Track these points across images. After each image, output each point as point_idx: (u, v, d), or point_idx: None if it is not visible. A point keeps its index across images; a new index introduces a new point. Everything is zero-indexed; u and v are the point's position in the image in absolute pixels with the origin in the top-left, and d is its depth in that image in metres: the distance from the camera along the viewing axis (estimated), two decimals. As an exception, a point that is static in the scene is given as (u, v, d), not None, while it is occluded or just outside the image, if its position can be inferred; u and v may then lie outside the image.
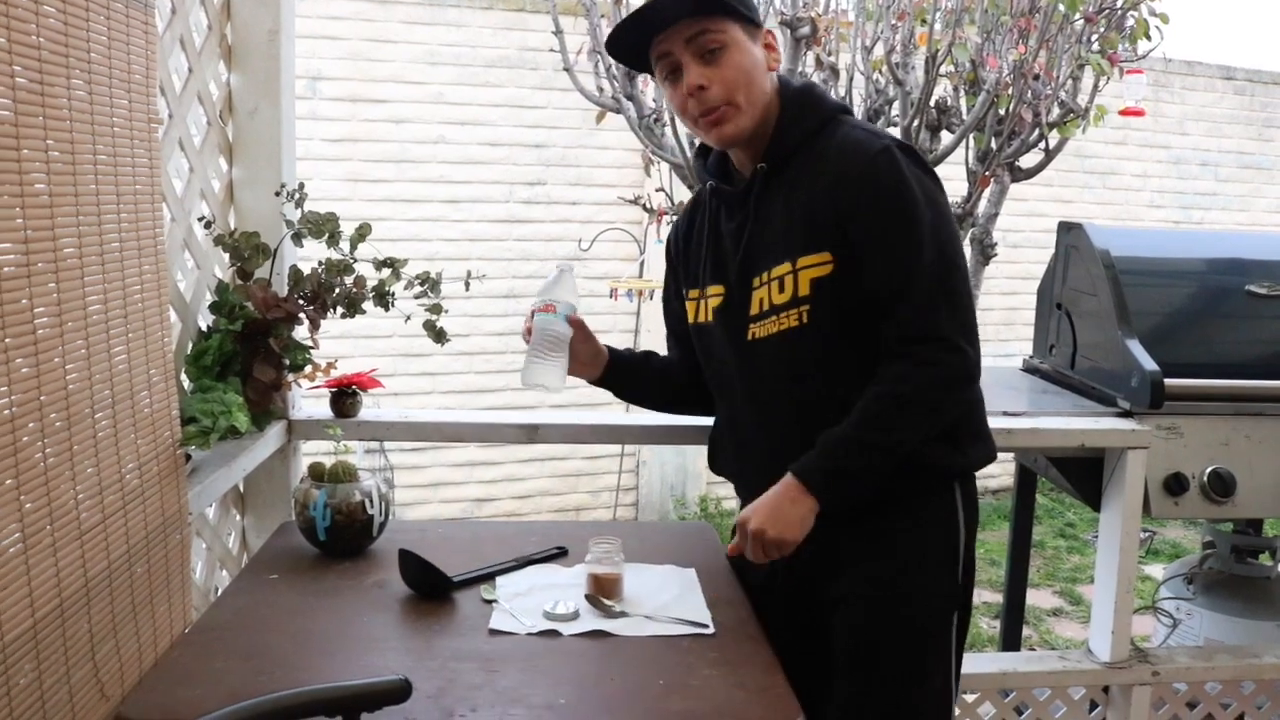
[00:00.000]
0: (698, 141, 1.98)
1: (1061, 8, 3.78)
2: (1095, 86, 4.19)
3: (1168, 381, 2.44)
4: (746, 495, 1.93)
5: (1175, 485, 2.46)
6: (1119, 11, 4.16)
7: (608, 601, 1.81)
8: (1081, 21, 3.97)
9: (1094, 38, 4.15)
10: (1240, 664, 2.64)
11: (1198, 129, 7.85)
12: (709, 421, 2.09)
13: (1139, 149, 7.63)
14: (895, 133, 3.88)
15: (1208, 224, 7.88)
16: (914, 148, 1.81)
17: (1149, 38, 4.26)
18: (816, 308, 1.75)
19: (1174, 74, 7.62)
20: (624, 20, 1.80)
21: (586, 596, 1.82)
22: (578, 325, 1.98)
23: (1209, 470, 2.47)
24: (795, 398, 1.81)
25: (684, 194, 4.18)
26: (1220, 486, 2.46)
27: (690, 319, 1.98)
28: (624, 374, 2.13)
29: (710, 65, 1.75)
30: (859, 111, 4.06)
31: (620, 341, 6.71)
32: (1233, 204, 7.99)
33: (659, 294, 5.21)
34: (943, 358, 1.70)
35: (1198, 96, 7.85)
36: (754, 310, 1.82)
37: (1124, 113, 4.96)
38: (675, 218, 4.72)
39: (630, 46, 1.84)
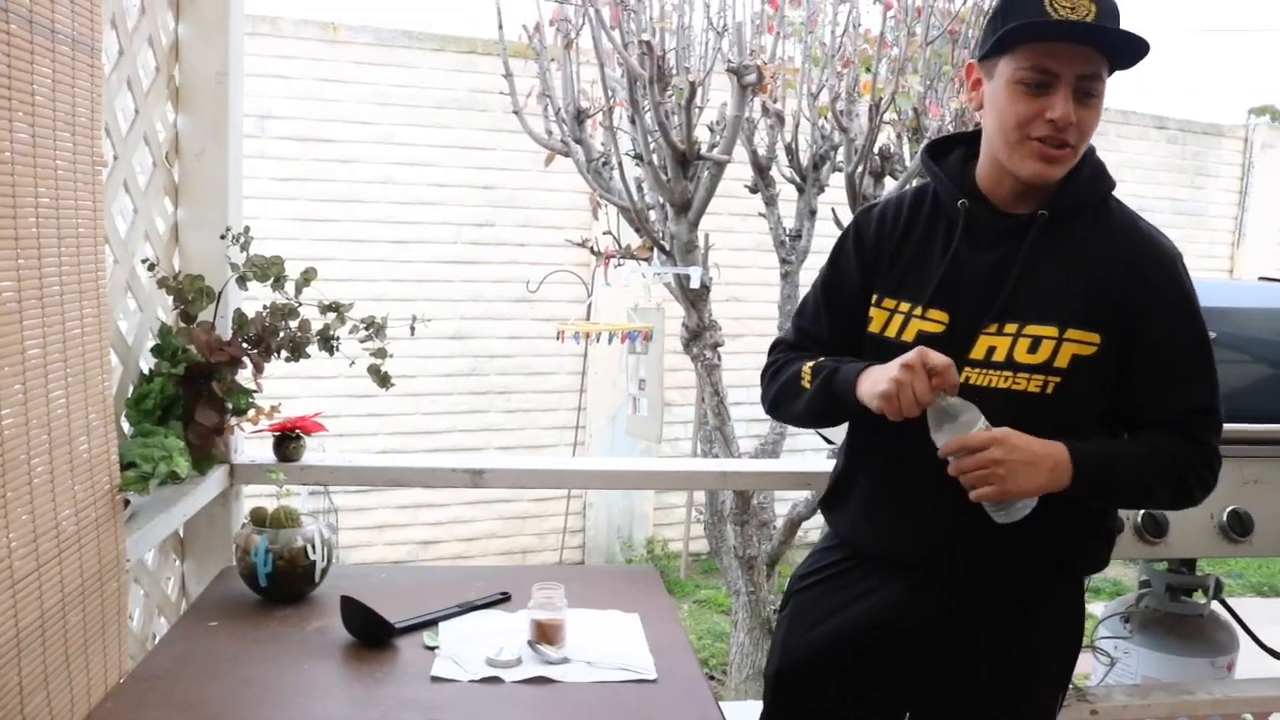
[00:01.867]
0: (923, 139, 1.86)
1: (1000, 59, 3.86)
2: (1033, 135, 4.27)
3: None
4: (870, 539, 1.84)
5: (1112, 528, 2.50)
6: (1055, 63, 4.27)
7: (550, 648, 1.80)
8: (1019, 72, 4.06)
9: (1032, 88, 4.24)
10: (1175, 700, 2.67)
11: (1133, 175, 8.03)
12: (655, 465, 2.09)
13: (1077, 195, 7.78)
14: (839, 179, 3.94)
15: (1144, 269, 8.05)
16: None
17: (1084, 89, 4.36)
18: (1068, 383, 1.66)
19: (1110, 123, 7.80)
20: (1045, 17, 1.61)
21: (529, 643, 1.81)
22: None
23: (1142, 512, 2.51)
24: None
25: (631, 237, 4.21)
26: (1153, 527, 2.50)
27: (875, 328, 1.79)
28: None
29: (1083, 107, 1.65)
30: (804, 156, 4.12)
31: (567, 384, 6.75)
32: (1167, 250, 8.17)
33: (605, 336, 5.21)
34: (1213, 461, 1.73)
35: (1132, 144, 8.05)
36: (976, 354, 1.69)
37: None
38: (622, 261, 4.74)
39: (1020, 30, 1.63)
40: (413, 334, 2.26)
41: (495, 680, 1.72)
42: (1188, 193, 8.25)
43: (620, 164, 3.77)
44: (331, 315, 2.25)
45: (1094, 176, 1.75)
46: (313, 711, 1.61)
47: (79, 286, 1.67)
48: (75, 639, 1.63)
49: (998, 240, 1.73)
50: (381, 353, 2.27)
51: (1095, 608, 5.27)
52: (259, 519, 2.05)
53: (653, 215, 3.97)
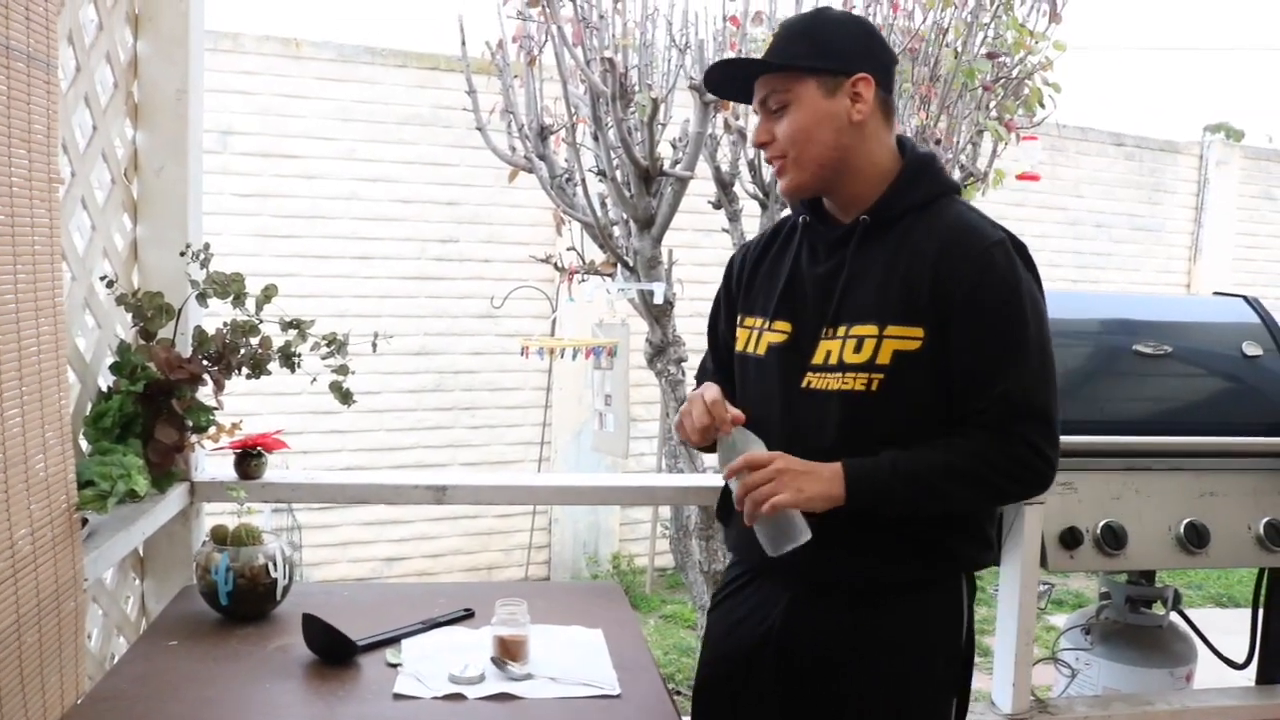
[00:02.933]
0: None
1: (961, 76, 3.91)
2: (994, 151, 4.33)
3: (1062, 439, 2.51)
4: (753, 544, 1.84)
5: (1070, 539, 2.52)
6: (1015, 80, 4.32)
7: (513, 664, 1.80)
8: (980, 89, 4.11)
9: (992, 105, 4.30)
10: (1135, 711, 2.70)
11: (1092, 192, 8.14)
12: (620, 480, 2.10)
13: (1038, 210, 7.87)
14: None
15: (1103, 283, 8.14)
16: (1025, 246, 1.77)
17: (1043, 105, 4.42)
18: (890, 380, 1.69)
19: (1068, 139, 7.90)
20: (715, 66, 1.85)
21: (492, 659, 1.81)
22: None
23: (1102, 524, 2.54)
24: (834, 458, 1.71)
25: (595, 253, 4.21)
26: (1112, 539, 2.53)
27: (739, 346, 1.90)
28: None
29: (774, 121, 1.77)
30: (767, 172, 4.14)
31: (532, 400, 6.73)
32: (1126, 264, 8.27)
33: (570, 352, 5.21)
34: (1031, 458, 1.70)
35: (1091, 161, 8.15)
36: (816, 359, 1.76)
37: (1021, 177, 5.11)
38: (586, 277, 4.74)
39: (727, 84, 1.91)
40: (374, 350, 2.26)
41: (458, 697, 1.71)
42: (1145, 209, 8.37)
43: (584, 180, 3.78)
44: (293, 332, 2.25)
45: (914, 178, 1.79)
46: (273, 731, 1.60)
47: (35, 304, 1.66)
48: (31, 660, 1.61)
49: (830, 250, 1.82)
50: (343, 369, 2.27)
51: (1057, 619, 5.32)
52: (220, 537, 2.04)
53: (616, 231, 3.98)
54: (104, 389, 2.16)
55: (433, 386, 6.24)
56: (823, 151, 1.76)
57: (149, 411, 2.14)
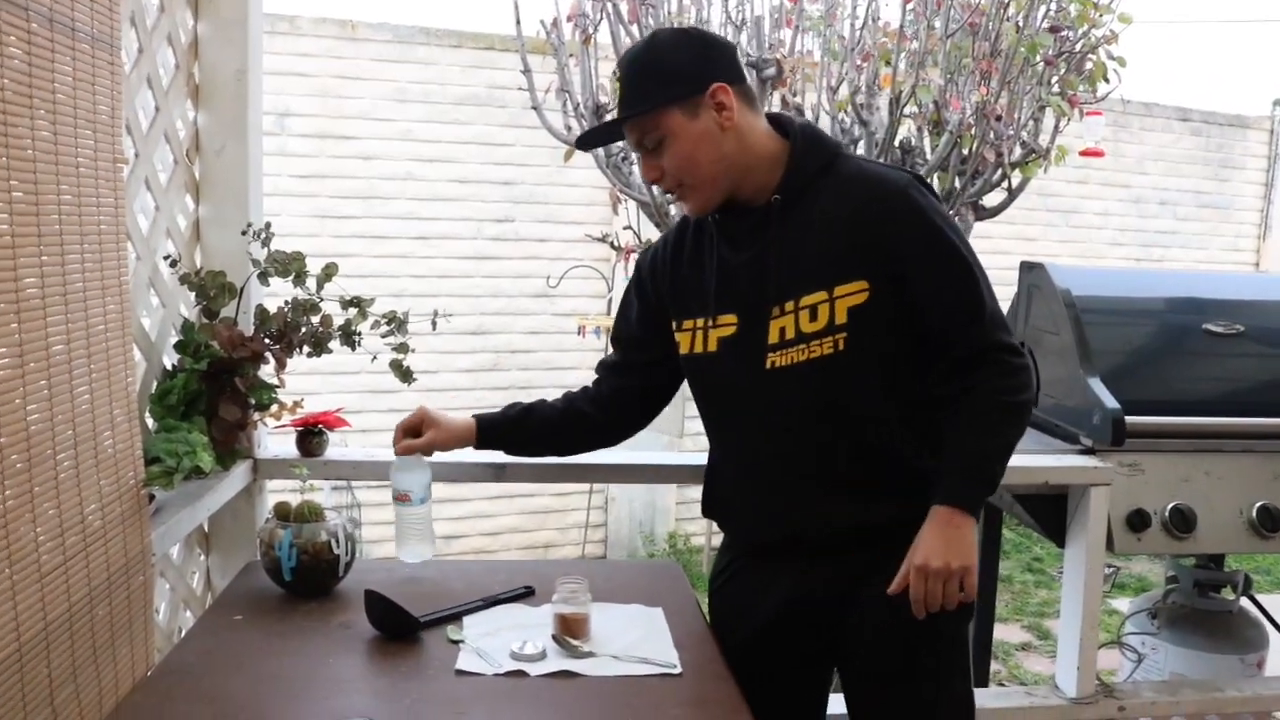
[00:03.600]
0: None
1: (1022, 51, 3.83)
2: (1056, 127, 4.25)
3: (1129, 419, 2.47)
4: (747, 528, 1.98)
5: (1137, 521, 2.48)
6: (1078, 55, 4.23)
7: (574, 641, 1.80)
8: (1042, 64, 4.03)
9: (1054, 80, 4.22)
10: (1204, 698, 2.66)
11: (1156, 168, 7.97)
12: (676, 459, 2.09)
13: (1100, 188, 7.73)
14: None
15: (1167, 261, 7.98)
16: (924, 178, 1.86)
17: (1107, 80, 4.33)
18: (854, 335, 1.77)
19: (1132, 115, 7.74)
20: (588, 132, 1.99)
21: (553, 636, 1.82)
22: (420, 423, 2.11)
23: (1170, 506, 2.49)
24: (817, 425, 1.82)
25: (651, 232, 4.19)
26: (1181, 522, 2.48)
27: (685, 349, 1.95)
28: (499, 436, 2.13)
29: (657, 156, 1.82)
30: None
31: (588, 379, 6.69)
32: (1191, 242, 8.10)
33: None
34: (1018, 362, 1.80)
35: (1155, 137, 7.98)
36: (773, 339, 1.81)
37: (1084, 153, 5.03)
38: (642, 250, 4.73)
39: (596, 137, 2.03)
40: (434, 329, 2.26)
41: (520, 674, 1.72)
42: (1213, 185, 8.18)
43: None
44: (353, 310, 2.26)
45: (809, 149, 1.85)
46: (338, 705, 1.61)
47: (102, 283, 1.68)
48: (103, 632, 1.64)
49: (751, 235, 1.86)
50: (403, 348, 2.28)
51: (1120, 604, 5.25)
52: (283, 513, 2.06)
53: (673, 210, 3.96)
54: (168, 367, 2.18)
55: (489, 366, 6.26)
56: (712, 168, 1.81)
57: (212, 389, 2.16)
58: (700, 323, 1.91)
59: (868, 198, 1.78)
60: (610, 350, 2.18)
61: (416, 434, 2.09)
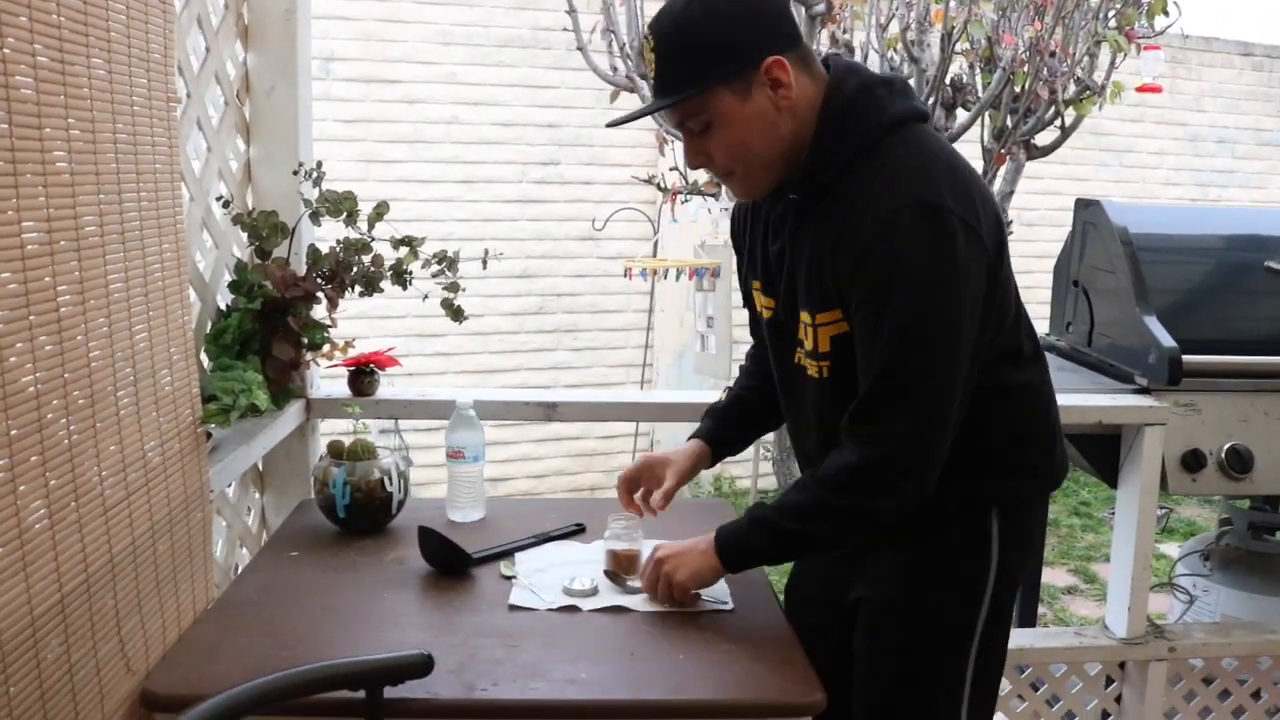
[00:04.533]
0: None
1: (1078, -17, 3.76)
2: (1112, 63, 4.17)
3: (1185, 358, 2.44)
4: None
5: (1193, 462, 2.46)
6: (1136, -13, 4.14)
7: (626, 578, 1.82)
8: (1098, -3, 3.95)
9: (1110, 14, 4.13)
10: (1257, 640, 2.64)
11: (1215, 106, 7.79)
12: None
13: (1155, 126, 7.58)
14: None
15: (1224, 201, 7.84)
16: (943, 202, 1.49)
17: (1166, 13, 4.23)
18: (836, 365, 1.62)
19: (1191, 50, 7.56)
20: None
21: (606, 572, 1.83)
22: (641, 473, 1.99)
23: (1227, 447, 2.47)
24: (819, 433, 1.71)
25: (698, 173, 4.17)
26: (1238, 463, 2.45)
27: (757, 305, 1.82)
28: (730, 440, 2.02)
29: (704, 139, 1.59)
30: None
31: (633, 322, 6.74)
32: (1250, 181, 7.94)
33: (674, 273, 5.19)
34: (878, 468, 1.55)
35: (1215, 73, 7.80)
36: (800, 335, 1.68)
37: (1141, 89, 4.93)
38: (689, 197, 4.70)
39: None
40: (484, 267, 2.27)
41: (572, 609, 1.74)
42: (1273, 122, 7.99)
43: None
44: (404, 250, 2.27)
45: (837, 138, 1.57)
46: (394, 638, 1.64)
47: (158, 223, 1.70)
48: (165, 565, 1.68)
49: (778, 226, 1.69)
50: (454, 287, 2.29)
51: (1169, 549, 5.22)
52: (336, 452, 2.09)
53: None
54: (223, 307, 2.21)
55: (535, 309, 6.29)
56: (766, 154, 1.59)
57: (266, 329, 2.19)
58: (759, 285, 1.79)
59: (858, 215, 1.51)
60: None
61: (636, 486, 1.98)
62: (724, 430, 2.00)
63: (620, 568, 1.84)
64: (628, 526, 1.86)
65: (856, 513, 1.59)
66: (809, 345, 1.65)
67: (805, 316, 1.63)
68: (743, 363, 2.08)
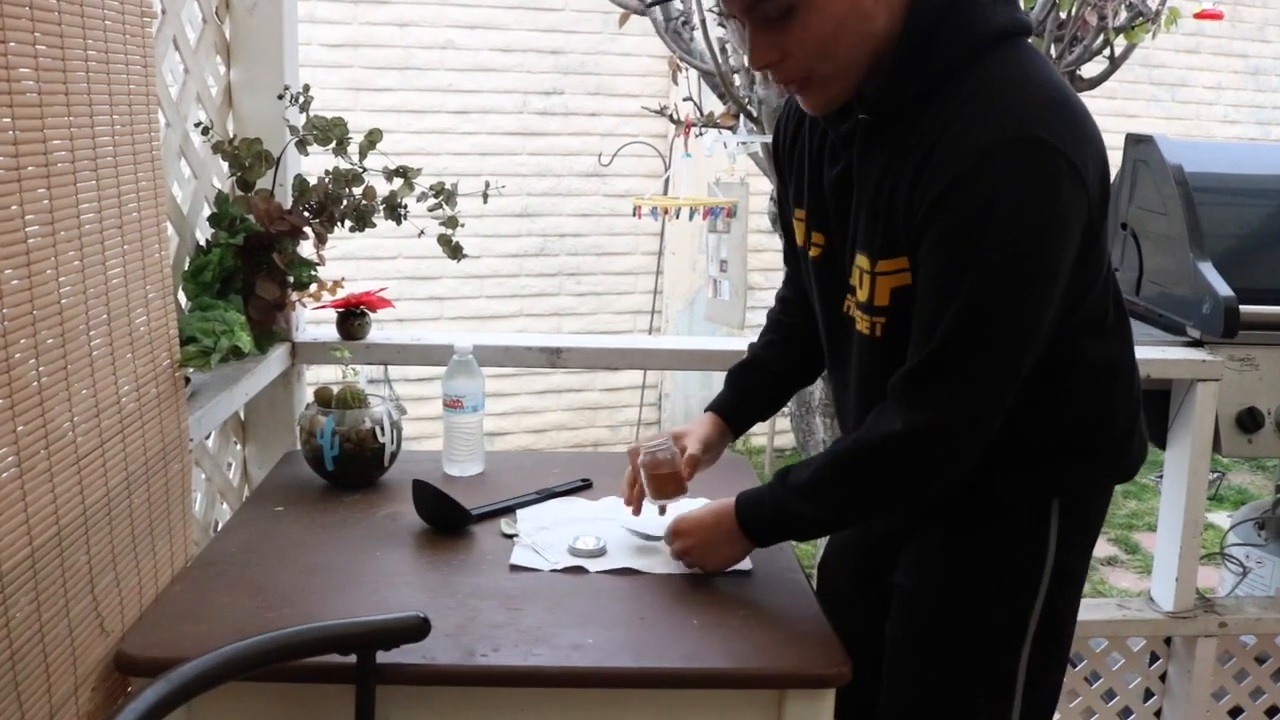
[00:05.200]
0: None
1: (1133, -102, 3.70)
2: (1168, -13, 4.10)
3: (1243, 308, 2.42)
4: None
5: (1249, 421, 2.45)
6: (1197, -97, 4.08)
7: (671, 502, 1.79)
8: (1155, -86, 3.89)
9: (1168, -68, 4.07)
10: (1314, 615, 2.65)
11: None
12: (740, 344, 2.08)
13: (1213, 58, 7.50)
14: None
15: (1287, 141, 7.78)
16: (1050, 139, 1.34)
17: (1229, -68, 4.17)
18: (892, 323, 1.50)
19: (1253, -26, 7.48)
20: None
21: (649, 499, 1.80)
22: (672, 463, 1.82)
23: (1282, 405, 2.46)
24: (863, 396, 1.61)
25: (714, 104, 4.14)
26: (1296, 424, 2.45)
27: (798, 241, 1.71)
28: (750, 411, 1.95)
29: (779, 31, 1.41)
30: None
31: (642, 265, 6.72)
32: (1316, 119, 7.88)
33: (685, 213, 5.17)
34: (888, 461, 1.50)
35: (1285, -2, 7.71)
36: (853, 280, 1.56)
37: (1199, 16, 4.86)
38: (703, 130, 4.66)
39: None
40: (485, 201, 2.26)
41: (579, 570, 1.75)
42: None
43: (703, 22, 3.69)
44: (399, 181, 2.26)
45: (923, 50, 1.41)
46: (386, 598, 1.65)
47: (132, 150, 1.68)
48: (141, 520, 1.68)
49: (842, 148, 1.56)
50: (452, 222, 2.28)
51: (1218, 518, 5.23)
52: (324, 399, 2.09)
53: (738, 79, 3.90)
54: (202, 243, 2.20)
55: (536, 251, 6.27)
56: (855, 52, 1.42)
57: (249, 266, 2.18)
58: (804, 216, 1.67)
59: (945, 145, 1.38)
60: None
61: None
62: (740, 401, 1.93)
63: (662, 492, 1.79)
64: (663, 444, 1.80)
65: (891, 488, 1.52)
66: (863, 295, 1.53)
67: (863, 260, 1.52)
68: (772, 306, 1.98)
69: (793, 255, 1.79)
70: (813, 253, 1.65)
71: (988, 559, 1.59)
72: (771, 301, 1.97)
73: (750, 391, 1.93)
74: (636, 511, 1.86)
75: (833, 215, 1.59)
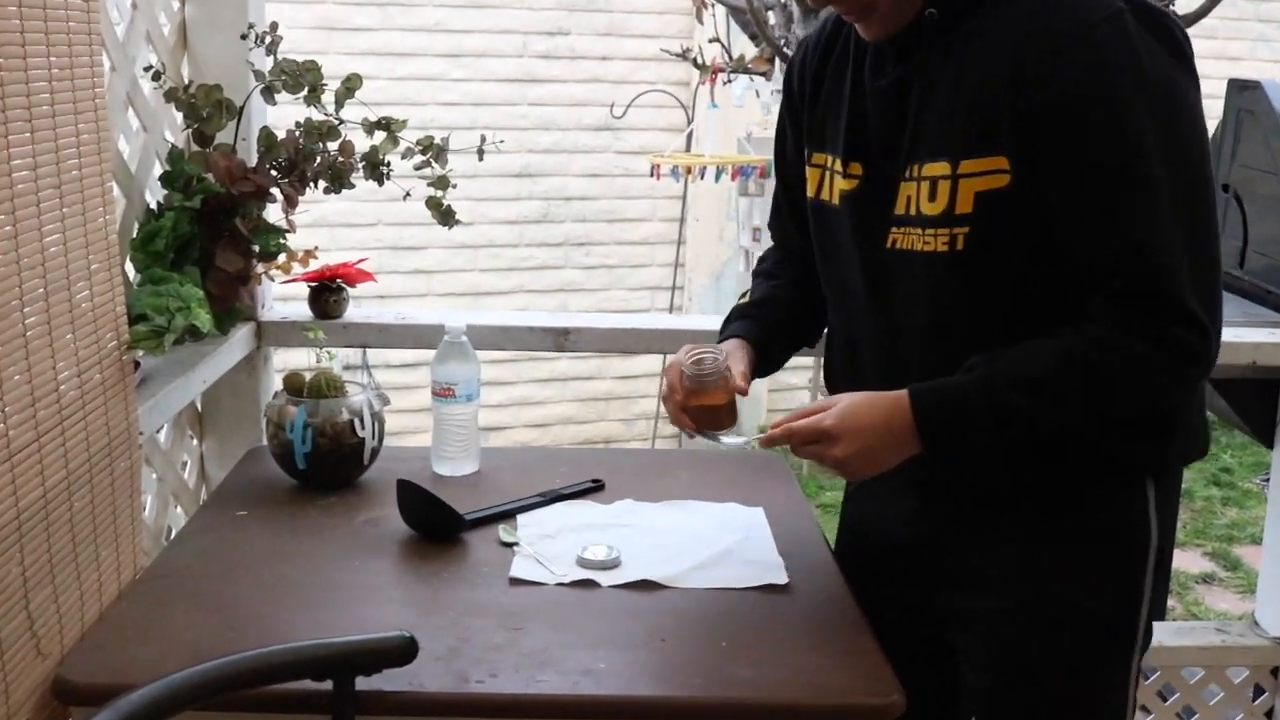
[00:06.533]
0: None
1: None
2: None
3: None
4: None
5: (1371, 415, 2.44)
6: None
7: (727, 436, 1.74)
8: None
9: None
10: None
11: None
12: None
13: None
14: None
15: None
16: (1163, 11, 1.50)
17: None
18: (978, 232, 1.53)
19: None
20: None
21: (700, 432, 1.73)
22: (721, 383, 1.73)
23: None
24: (923, 340, 1.63)
25: (746, 46, 4.13)
26: None
27: (810, 192, 1.77)
28: (775, 347, 1.90)
29: None
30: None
31: (661, 234, 6.71)
32: None
33: (711, 172, 5.17)
34: (1175, 334, 1.47)
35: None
36: (899, 209, 1.61)
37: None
38: (733, 76, 4.65)
39: None
40: (480, 159, 2.26)
41: (589, 584, 1.75)
42: None
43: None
44: (380, 135, 2.26)
45: None
46: (368, 616, 1.65)
47: (73, 98, 1.69)
48: (83, 525, 1.69)
49: (897, 55, 1.62)
50: (443, 182, 2.28)
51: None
52: (295, 387, 2.09)
53: (773, 17, 3.89)
54: (153, 206, 2.21)
55: (538, 217, 6.28)
56: None
57: (208, 234, 2.19)
58: (829, 161, 1.73)
59: (1035, 29, 1.48)
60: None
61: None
62: (764, 333, 1.87)
63: (712, 424, 1.72)
64: (709, 355, 1.71)
65: (1138, 399, 1.53)
66: (934, 208, 1.55)
67: (935, 168, 1.55)
68: (756, 279, 2.00)
69: (790, 212, 1.88)
70: (844, 186, 1.69)
71: (1087, 556, 1.61)
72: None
73: (774, 326, 1.89)
74: (690, 426, 1.74)
75: (877, 134, 1.64)
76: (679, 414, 1.72)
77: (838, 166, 1.70)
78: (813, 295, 1.86)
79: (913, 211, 1.59)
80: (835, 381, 1.87)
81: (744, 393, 1.73)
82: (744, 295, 1.99)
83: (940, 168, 1.55)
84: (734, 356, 1.77)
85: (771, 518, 1.98)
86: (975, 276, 1.55)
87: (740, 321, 1.90)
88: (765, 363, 1.88)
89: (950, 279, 1.57)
